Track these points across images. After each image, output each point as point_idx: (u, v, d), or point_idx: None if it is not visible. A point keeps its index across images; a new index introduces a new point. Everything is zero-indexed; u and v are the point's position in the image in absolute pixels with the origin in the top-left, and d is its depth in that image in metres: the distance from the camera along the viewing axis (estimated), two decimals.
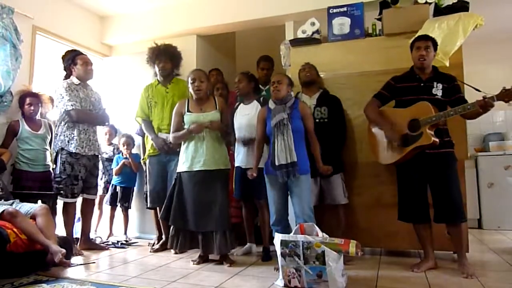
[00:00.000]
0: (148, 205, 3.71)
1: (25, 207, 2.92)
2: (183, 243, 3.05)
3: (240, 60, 5.62)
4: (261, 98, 3.38)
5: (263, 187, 2.98)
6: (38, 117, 3.60)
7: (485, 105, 2.44)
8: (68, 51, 3.70)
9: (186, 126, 3.08)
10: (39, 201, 3.21)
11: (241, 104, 3.43)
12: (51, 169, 3.57)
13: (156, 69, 3.62)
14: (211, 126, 3.00)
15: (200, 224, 2.97)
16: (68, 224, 3.42)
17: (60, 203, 3.40)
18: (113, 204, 4.14)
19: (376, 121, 2.95)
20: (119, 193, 4.12)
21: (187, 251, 3.32)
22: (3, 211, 2.69)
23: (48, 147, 3.61)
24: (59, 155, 3.40)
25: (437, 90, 2.71)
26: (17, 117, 3.56)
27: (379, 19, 3.48)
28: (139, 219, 4.32)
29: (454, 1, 3.21)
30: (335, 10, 3.52)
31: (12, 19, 3.52)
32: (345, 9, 3.49)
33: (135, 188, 4.27)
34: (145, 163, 3.77)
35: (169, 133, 3.38)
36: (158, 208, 3.61)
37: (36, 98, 3.56)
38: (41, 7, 4.01)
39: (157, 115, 3.56)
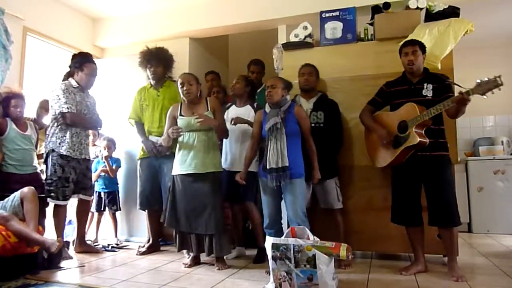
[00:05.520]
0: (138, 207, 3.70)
1: (9, 201, 2.87)
2: (181, 243, 3.07)
3: (232, 63, 5.62)
4: (255, 104, 3.38)
5: (250, 189, 2.98)
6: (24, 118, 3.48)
7: (461, 100, 2.46)
8: (81, 53, 3.62)
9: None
10: None
11: (233, 106, 3.43)
12: (38, 170, 3.52)
13: (148, 73, 3.64)
14: (201, 118, 2.90)
15: (192, 225, 2.99)
16: (59, 227, 3.35)
17: (50, 205, 3.35)
18: (99, 210, 4.07)
19: (369, 126, 3.00)
20: (103, 198, 4.06)
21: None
22: None
23: (34, 147, 3.52)
24: (50, 156, 3.33)
25: (427, 91, 2.74)
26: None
27: (371, 24, 3.51)
28: (128, 222, 4.27)
29: (445, 7, 3.25)
30: (327, 15, 3.55)
31: (2, 20, 3.50)
32: (337, 13, 3.52)
33: (120, 190, 4.20)
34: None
35: (159, 136, 3.42)
36: (147, 211, 3.61)
37: (20, 99, 3.41)
38: (32, 8, 3.99)
39: (148, 118, 3.59)
